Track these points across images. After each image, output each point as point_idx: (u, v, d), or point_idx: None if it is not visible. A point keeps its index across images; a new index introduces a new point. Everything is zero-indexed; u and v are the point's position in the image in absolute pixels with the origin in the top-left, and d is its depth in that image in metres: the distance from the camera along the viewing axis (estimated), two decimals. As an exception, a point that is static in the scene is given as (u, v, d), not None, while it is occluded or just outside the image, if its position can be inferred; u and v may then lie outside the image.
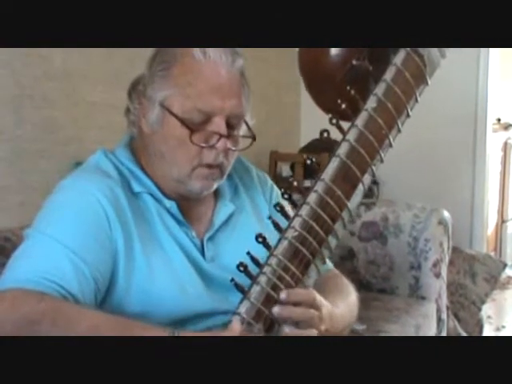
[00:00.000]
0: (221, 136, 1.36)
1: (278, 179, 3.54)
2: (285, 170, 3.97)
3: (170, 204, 1.43)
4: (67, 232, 1.30)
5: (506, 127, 5.64)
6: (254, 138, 1.44)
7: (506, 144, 5.59)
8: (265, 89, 3.78)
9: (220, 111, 1.36)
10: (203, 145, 1.36)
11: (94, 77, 2.68)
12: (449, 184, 4.31)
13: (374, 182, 4.29)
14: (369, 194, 4.17)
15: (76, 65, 2.60)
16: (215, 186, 1.45)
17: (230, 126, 1.39)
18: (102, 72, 2.69)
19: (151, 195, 1.43)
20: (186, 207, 1.46)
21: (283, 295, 1.20)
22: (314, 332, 1.26)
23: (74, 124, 2.63)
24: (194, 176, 1.39)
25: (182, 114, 1.36)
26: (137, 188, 1.42)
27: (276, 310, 1.20)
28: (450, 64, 4.26)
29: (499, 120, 5.38)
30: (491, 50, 4.30)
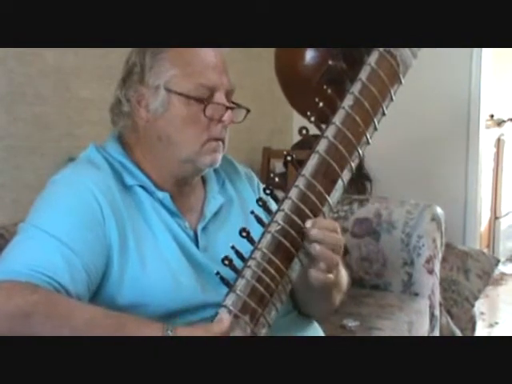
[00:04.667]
0: (227, 108, 1.44)
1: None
2: (278, 166, 3.96)
3: (163, 195, 1.44)
4: (60, 225, 1.31)
5: (499, 123, 5.64)
6: (248, 110, 1.50)
7: (498, 140, 5.59)
8: (257, 85, 3.78)
9: (220, 86, 1.44)
10: (215, 117, 1.42)
11: (86, 74, 2.67)
12: (442, 180, 4.32)
13: (367, 179, 4.30)
14: (362, 190, 4.17)
15: (69, 62, 2.60)
16: (220, 159, 1.48)
17: (227, 101, 1.46)
18: (94, 69, 2.69)
19: (143, 188, 1.44)
20: (179, 198, 1.48)
21: (309, 223, 1.27)
22: (337, 260, 1.32)
23: (67, 121, 2.63)
24: (204, 151, 1.44)
25: (189, 92, 1.42)
26: (129, 181, 1.43)
27: (314, 232, 1.26)
28: (444, 60, 4.25)
29: (492, 116, 5.38)
30: (484, 46, 4.30)
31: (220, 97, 1.43)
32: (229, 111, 1.44)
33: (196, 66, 1.43)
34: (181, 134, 1.43)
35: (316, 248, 1.27)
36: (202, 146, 1.43)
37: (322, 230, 1.28)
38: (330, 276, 1.32)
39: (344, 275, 1.52)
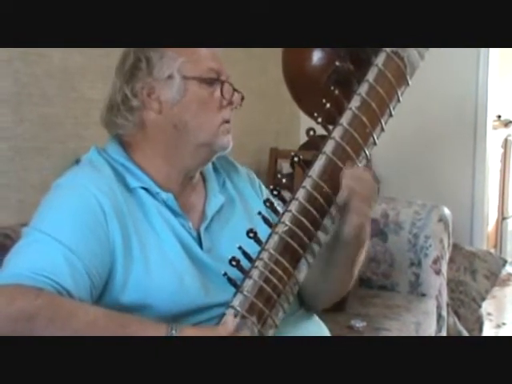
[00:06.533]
0: (234, 90, 1.49)
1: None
2: (285, 167, 3.96)
3: (167, 196, 1.45)
4: (62, 228, 1.32)
5: (507, 124, 5.63)
6: (242, 97, 1.53)
7: (506, 141, 5.58)
8: (264, 86, 3.77)
9: (223, 71, 1.48)
10: (227, 97, 1.47)
11: (93, 74, 2.67)
12: (449, 181, 4.31)
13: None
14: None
15: (75, 62, 2.60)
16: (231, 142, 1.51)
17: None
18: (100, 69, 2.69)
19: (146, 190, 1.44)
20: (181, 198, 1.48)
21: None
22: (369, 212, 1.35)
23: (73, 121, 2.62)
24: (221, 132, 1.47)
25: (201, 75, 1.46)
26: (132, 183, 1.44)
27: (344, 180, 1.29)
28: (450, 61, 4.24)
29: (499, 117, 5.38)
30: (491, 46, 4.29)
31: (227, 79, 1.48)
32: (236, 93, 1.49)
33: (200, 53, 1.47)
34: (198, 118, 1.46)
35: (344, 194, 1.29)
36: (218, 127, 1.46)
37: (354, 179, 1.30)
38: (362, 221, 1.33)
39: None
